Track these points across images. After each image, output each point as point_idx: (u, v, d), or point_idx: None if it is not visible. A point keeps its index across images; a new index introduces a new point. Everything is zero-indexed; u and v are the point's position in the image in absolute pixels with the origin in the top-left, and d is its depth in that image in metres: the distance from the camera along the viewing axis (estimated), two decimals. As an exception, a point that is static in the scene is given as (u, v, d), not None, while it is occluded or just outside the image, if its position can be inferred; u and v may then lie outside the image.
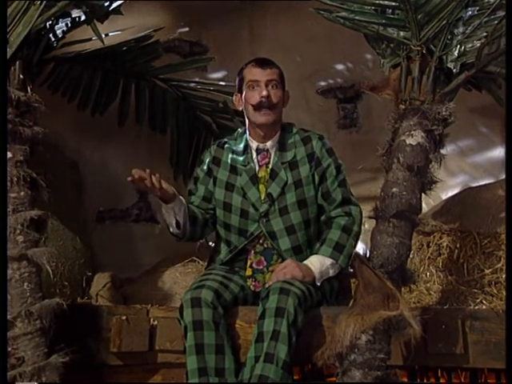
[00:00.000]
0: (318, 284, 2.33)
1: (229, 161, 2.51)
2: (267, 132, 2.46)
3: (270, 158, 2.47)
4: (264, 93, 2.38)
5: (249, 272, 2.44)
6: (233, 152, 2.52)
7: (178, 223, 2.41)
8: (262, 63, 2.44)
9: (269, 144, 2.47)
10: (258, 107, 2.40)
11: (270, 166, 2.46)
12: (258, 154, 2.49)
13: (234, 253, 2.45)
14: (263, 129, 2.45)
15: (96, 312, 2.47)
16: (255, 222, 2.44)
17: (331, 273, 2.36)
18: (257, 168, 2.47)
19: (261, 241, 2.45)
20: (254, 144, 2.49)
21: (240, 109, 2.51)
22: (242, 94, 2.47)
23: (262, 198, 2.44)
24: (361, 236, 2.44)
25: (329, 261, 2.33)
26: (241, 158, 2.49)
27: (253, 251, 2.45)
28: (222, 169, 2.51)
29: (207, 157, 2.56)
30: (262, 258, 2.45)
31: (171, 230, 2.46)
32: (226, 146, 2.55)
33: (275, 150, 2.47)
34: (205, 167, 2.55)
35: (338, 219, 2.40)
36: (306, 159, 2.45)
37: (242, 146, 2.51)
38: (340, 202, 2.42)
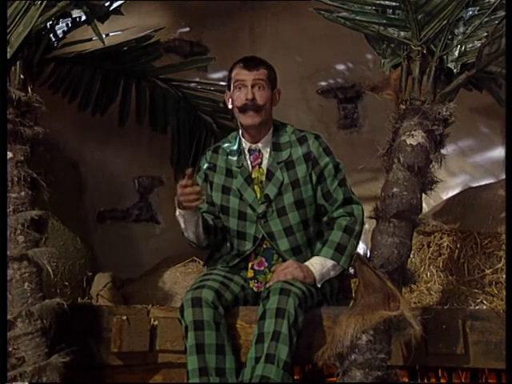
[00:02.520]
0: (319, 285, 2.33)
1: (224, 165, 2.50)
2: (256, 133, 2.45)
3: (261, 159, 2.47)
4: (249, 96, 2.37)
5: (251, 274, 2.44)
6: (227, 155, 2.51)
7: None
8: (249, 64, 2.42)
9: (260, 144, 2.47)
10: (243, 109, 2.39)
11: (265, 166, 2.45)
12: (250, 155, 2.48)
13: (241, 257, 2.45)
14: (251, 130, 2.45)
15: (96, 312, 2.47)
16: (253, 224, 2.44)
17: (332, 274, 2.36)
18: (250, 168, 2.47)
19: (260, 242, 2.44)
20: (246, 145, 2.49)
21: (230, 107, 2.49)
22: (230, 91, 2.47)
23: (258, 198, 2.43)
24: (361, 236, 2.44)
25: (330, 262, 2.33)
26: (235, 160, 2.48)
27: (253, 253, 2.45)
28: (217, 173, 2.51)
29: (203, 163, 2.56)
30: (263, 259, 2.45)
31: (186, 235, 2.46)
32: (221, 150, 2.54)
33: (269, 150, 2.46)
34: (202, 174, 2.54)
35: (340, 220, 2.40)
36: (303, 159, 2.44)
37: (236, 147, 2.50)
38: (342, 201, 2.42)
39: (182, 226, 2.42)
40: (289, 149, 2.45)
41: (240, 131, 2.51)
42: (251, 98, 2.37)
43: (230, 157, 2.50)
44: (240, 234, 2.46)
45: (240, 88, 2.41)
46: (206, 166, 2.55)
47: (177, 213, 2.39)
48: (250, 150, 2.48)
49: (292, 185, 2.43)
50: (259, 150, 2.47)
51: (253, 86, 2.39)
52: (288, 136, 2.48)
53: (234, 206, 2.46)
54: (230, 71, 2.47)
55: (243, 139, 2.49)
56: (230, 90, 2.47)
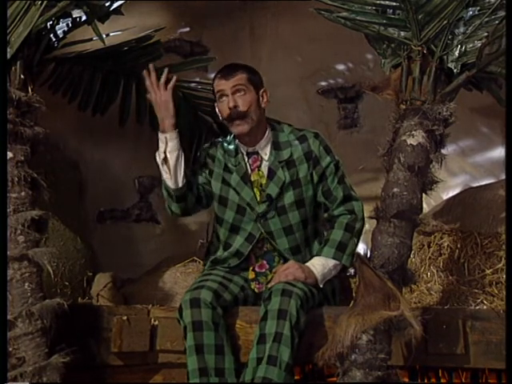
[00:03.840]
0: (321, 286, 2.33)
1: (222, 158, 2.50)
2: (250, 138, 2.45)
3: (260, 161, 2.46)
4: (231, 104, 2.37)
5: (252, 275, 2.45)
6: (225, 152, 2.51)
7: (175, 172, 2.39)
8: (226, 73, 2.41)
9: (258, 146, 2.46)
10: (229, 119, 2.39)
11: (265, 168, 2.45)
12: (249, 158, 2.48)
13: (241, 259, 2.44)
14: (244, 137, 2.45)
15: (97, 312, 2.47)
16: (251, 221, 2.43)
17: (334, 273, 2.36)
18: (249, 171, 2.46)
19: (260, 244, 2.44)
20: (243, 148, 2.48)
21: (221, 119, 2.49)
22: (217, 105, 2.47)
23: (258, 199, 2.43)
24: (361, 236, 2.44)
25: (331, 262, 2.34)
26: (232, 159, 2.48)
27: (253, 256, 2.45)
28: (216, 164, 2.51)
29: (202, 154, 2.57)
30: (264, 262, 2.45)
31: (169, 182, 2.41)
32: (219, 145, 2.54)
33: (269, 150, 2.46)
34: (201, 161, 2.55)
35: (340, 218, 2.40)
36: (304, 158, 2.44)
37: (233, 148, 2.50)
38: (342, 199, 2.42)
39: (163, 156, 2.39)
40: (289, 148, 2.45)
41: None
42: (233, 106, 2.37)
43: (227, 155, 2.50)
44: (233, 228, 2.45)
45: (222, 98, 2.40)
46: (204, 155, 2.55)
47: (157, 156, 2.40)
48: (248, 153, 2.48)
49: (293, 184, 2.42)
50: (257, 152, 2.47)
51: (233, 93, 2.38)
52: (286, 135, 2.47)
53: (234, 199, 2.46)
54: (212, 83, 2.47)
55: (239, 142, 2.49)
56: (216, 102, 2.47)
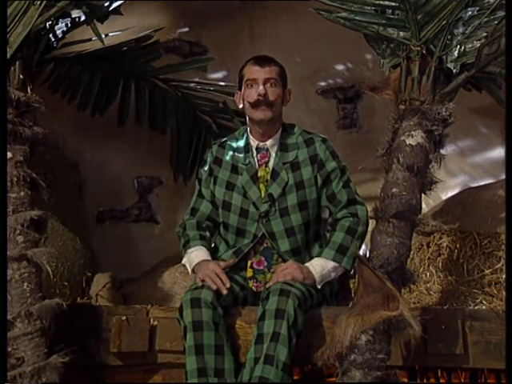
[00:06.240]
0: (319, 287, 2.33)
1: (230, 160, 2.50)
2: (266, 129, 2.45)
3: (269, 158, 2.47)
4: (261, 91, 2.38)
5: (250, 273, 2.44)
6: (234, 151, 2.51)
7: None
8: (261, 61, 2.43)
9: (268, 143, 2.47)
10: (255, 105, 2.40)
11: (271, 166, 2.45)
12: (257, 153, 2.48)
13: (240, 256, 2.44)
14: (262, 126, 2.44)
15: (96, 312, 2.47)
16: (254, 222, 2.43)
17: (333, 275, 2.35)
18: (256, 167, 2.47)
19: (260, 240, 2.44)
20: (254, 143, 2.49)
21: (240, 106, 2.50)
22: (241, 91, 2.48)
23: (263, 197, 2.43)
24: (366, 236, 2.44)
25: (331, 264, 2.33)
26: (242, 157, 2.48)
27: (252, 251, 2.45)
28: (222, 168, 2.51)
29: (209, 157, 2.56)
30: (262, 258, 2.44)
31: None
32: (227, 145, 2.54)
33: (276, 149, 2.47)
34: (206, 167, 2.55)
35: (343, 221, 2.40)
36: (309, 161, 2.44)
37: (243, 144, 2.51)
38: (346, 203, 2.42)
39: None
40: (295, 150, 2.46)
41: (248, 129, 2.51)
42: (263, 94, 2.38)
43: (236, 153, 2.50)
44: (239, 231, 2.46)
45: (252, 85, 2.41)
46: (210, 159, 2.55)
47: (188, 266, 2.45)
48: (257, 148, 2.48)
49: (296, 186, 2.42)
50: (267, 149, 2.47)
51: (264, 83, 2.40)
52: (295, 137, 2.48)
53: (237, 202, 2.46)
54: (241, 70, 2.48)
55: (251, 137, 2.50)
56: (240, 89, 2.48)
